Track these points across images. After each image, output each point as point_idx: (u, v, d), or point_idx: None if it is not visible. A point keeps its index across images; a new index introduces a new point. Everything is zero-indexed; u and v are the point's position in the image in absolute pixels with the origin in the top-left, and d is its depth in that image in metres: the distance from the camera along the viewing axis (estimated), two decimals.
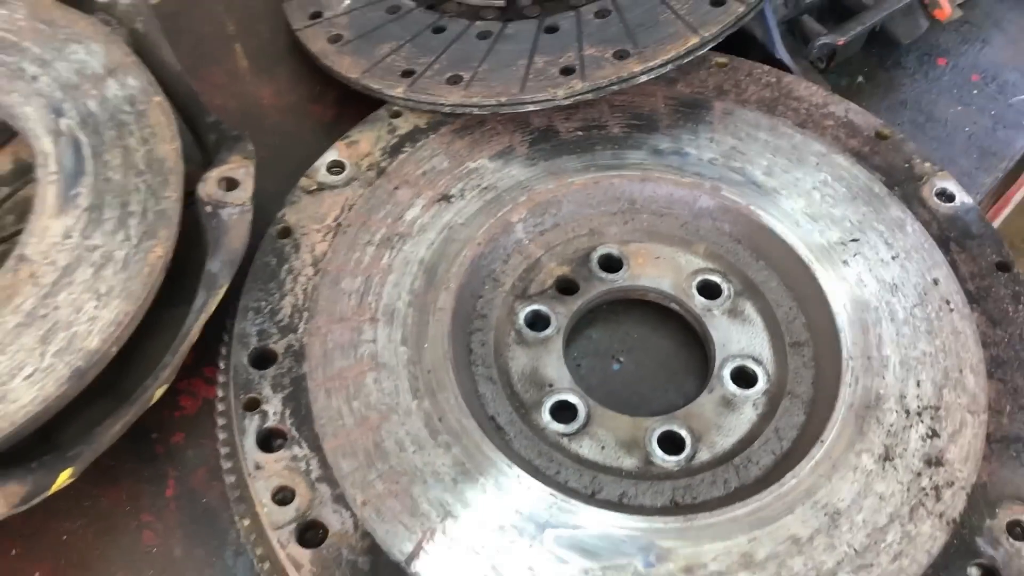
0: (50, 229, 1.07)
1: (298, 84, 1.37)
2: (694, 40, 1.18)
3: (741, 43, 1.32)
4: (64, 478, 0.93)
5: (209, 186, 1.12)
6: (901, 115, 1.36)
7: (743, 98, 1.29)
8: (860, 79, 1.40)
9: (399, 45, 1.29)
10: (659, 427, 1.08)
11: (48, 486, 0.92)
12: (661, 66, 1.18)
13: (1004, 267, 1.15)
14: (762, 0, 1.21)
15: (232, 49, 1.40)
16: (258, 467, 0.99)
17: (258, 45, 1.40)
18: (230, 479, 1.03)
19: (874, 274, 1.14)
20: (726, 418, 1.10)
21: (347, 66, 1.29)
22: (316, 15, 1.38)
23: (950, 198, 1.21)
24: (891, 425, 1.04)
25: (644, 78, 1.18)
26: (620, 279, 1.19)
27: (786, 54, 1.31)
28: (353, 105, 1.29)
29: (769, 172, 1.21)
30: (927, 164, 1.23)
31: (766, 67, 1.31)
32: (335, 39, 1.33)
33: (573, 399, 1.09)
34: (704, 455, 1.07)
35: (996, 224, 1.38)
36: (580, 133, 1.25)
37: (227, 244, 1.09)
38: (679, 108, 1.27)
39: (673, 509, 1.02)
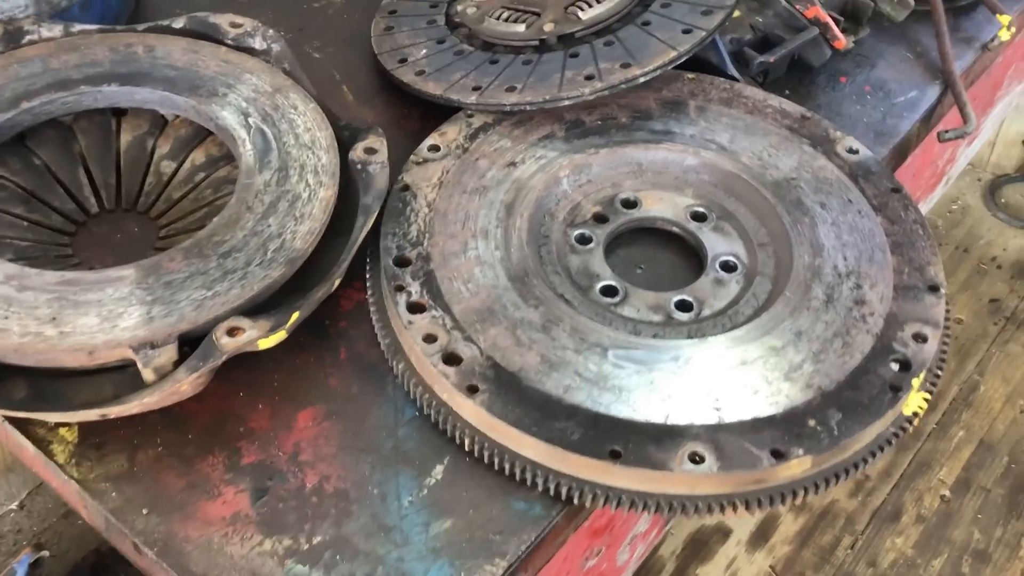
0: (255, 182, 1.49)
1: (391, 108, 1.81)
2: (673, 53, 1.65)
3: (702, 67, 1.79)
4: (294, 319, 1.32)
5: (358, 152, 1.54)
6: (818, 113, 1.83)
7: (709, 98, 1.75)
8: (787, 92, 1.87)
9: (467, 72, 1.75)
10: (674, 297, 1.50)
11: (285, 322, 1.29)
12: (653, 71, 1.64)
13: (896, 191, 1.61)
14: (716, 28, 1.68)
15: (341, 89, 1.84)
16: (410, 323, 1.39)
17: (359, 85, 1.84)
18: (386, 341, 1.42)
19: (809, 198, 1.58)
20: (719, 290, 1.51)
21: (432, 87, 1.74)
22: (402, 60, 1.83)
23: (856, 152, 1.67)
24: (829, 282, 1.46)
25: (642, 79, 1.64)
26: (636, 213, 1.62)
27: (735, 71, 1.79)
28: (432, 120, 1.71)
29: (732, 141, 1.67)
30: (838, 133, 1.69)
31: (726, 80, 1.78)
32: (420, 73, 1.78)
33: (614, 283, 1.51)
34: (707, 312, 1.49)
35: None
36: (599, 122, 1.70)
37: (375, 186, 1.50)
38: (665, 105, 1.73)
39: (691, 335, 1.43)
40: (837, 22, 1.90)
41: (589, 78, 1.64)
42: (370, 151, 1.54)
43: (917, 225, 1.55)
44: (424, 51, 1.84)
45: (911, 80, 1.92)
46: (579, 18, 1.76)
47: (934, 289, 1.46)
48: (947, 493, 3.37)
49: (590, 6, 1.78)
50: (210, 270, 1.35)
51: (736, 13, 1.87)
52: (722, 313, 1.47)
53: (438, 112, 1.70)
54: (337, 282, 1.41)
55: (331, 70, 1.89)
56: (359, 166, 1.51)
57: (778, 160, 1.62)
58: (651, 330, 1.44)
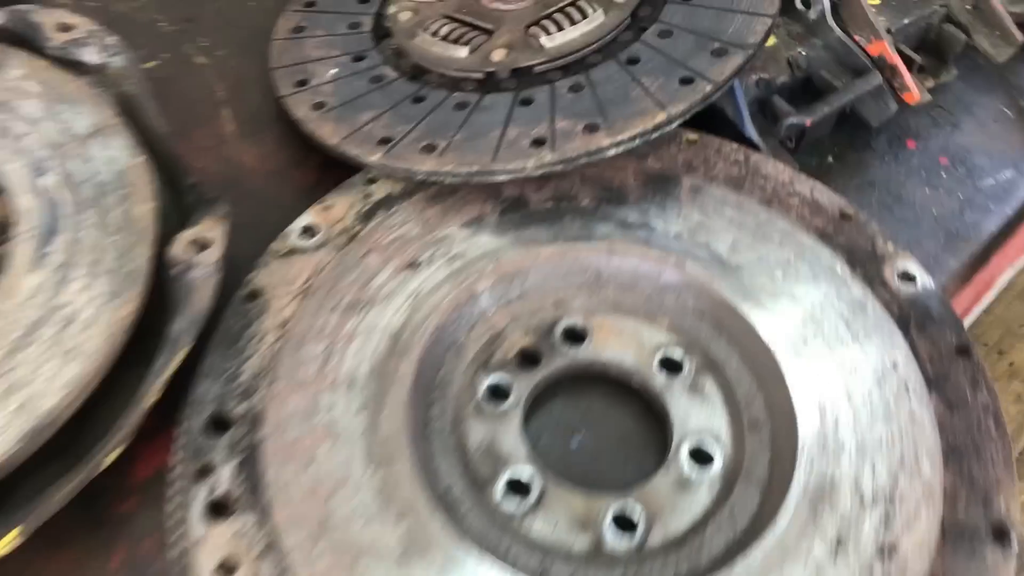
0: (20, 287, 1.01)
1: (282, 149, 1.31)
2: (661, 117, 1.12)
3: (712, 119, 1.25)
4: (10, 538, 0.86)
5: (179, 247, 1.06)
6: (869, 196, 1.29)
7: (711, 174, 1.22)
8: (830, 159, 1.33)
9: (379, 113, 1.23)
10: (613, 505, 1.00)
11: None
12: (629, 140, 1.12)
13: (963, 351, 1.08)
14: (729, 80, 1.15)
15: (220, 113, 1.34)
16: (202, 538, 0.92)
17: (246, 110, 1.35)
18: (174, 551, 0.96)
19: (834, 355, 1.06)
20: (681, 498, 1.02)
21: (328, 132, 1.23)
22: (302, 83, 1.32)
23: (911, 279, 1.13)
24: (846, 512, 0.96)
25: (612, 152, 1.12)
26: (583, 352, 1.12)
27: (755, 132, 1.25)
28: (333, 171, 1.23)
29: (734, 248, 1.14)
30: (889, 245, 1.16)
31: (735, 145, 1.24)
32: (318, 106, 1.27)
33: (528, 475, 1.02)
34: (657, 536, 0.99)
35: (981, 309, 1.30)
36: (550, 204, 1.19)
37: (192, 305, 1.02)
38: (648, 182, 1.21)
39: None
40: (911, 62, 1.33)
41: (538, 143, 1.12)
42: (199, 245, 1.05)
43: (989, 418, 1.03)
44: (333, 71, 1.32)
45: (1007, 152, 1.37)
46: (541, 46, 1.23)
47: (1001, 536, 0.94)
48: None
49: (559, 29, 1.24)
50: None
51: (771, 41, 1.31)
52: (679, 543, 0.98)
53: (340, 164, 1.22)
54: (112, 457, 0.95)
55: (214, 84, 1.39)
56: (178, 269, 1.03)
57: (796, 286, 1.09)
58: (566, 570, 0.95)
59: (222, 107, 1.36)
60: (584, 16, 1.25)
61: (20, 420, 0.92)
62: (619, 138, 1.11)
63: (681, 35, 1.22)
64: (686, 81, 1.15)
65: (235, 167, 1.29)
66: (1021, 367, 3.15)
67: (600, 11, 1.25)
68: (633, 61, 1.20)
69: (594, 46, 1.24)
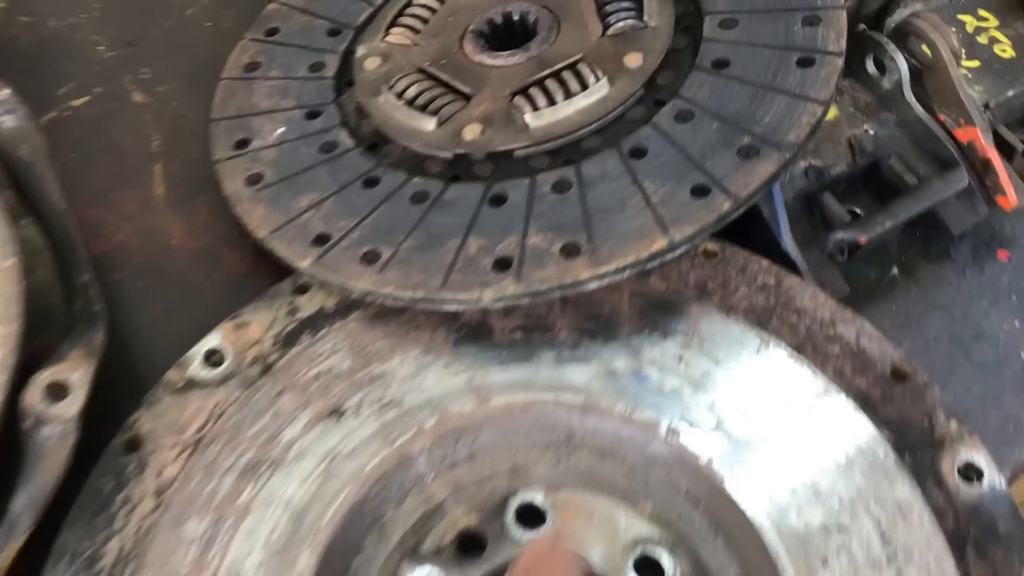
0: None
1: (217, 221, 1.10)
2: (660, 243, 0.87)
3: (744, 219, 0.98)
4: None
5: (33, 394, 0.85)
6: (941, 326, 1.02)
7: (730, 303, 0.97)
8: (894, 271, 1.06)
9: (321, 199, 1.01)
10: None
11: None
12: (616, 272, 0.87)
13: None
14: (755, 195, 0.88)
15: (152, 170, 1.13)
16: None
17: (182, 167, 1.13)
18: None
19: None
20: None
21: (258, 220, 1.01)
22: (242, 143, 1.10)
23: (977, 475, 0.87)
24: None
25: (594, 285, 0.87)
26: (539, 539, 0.88)
27: (794, 247, 0.99)
28: (272, 257, 1.00)
29: (746, 416, 0.89)
30: (953, 424, 0.89)
31: (765, 263, 0.98)
32: (254, 179, 1.05)
33: None
34: None
35: None
36: (519, 335, 0.95)
37: (37, 478, 0.82)
38: (646, 311, 0.96)
39: None
40: (1011, 151, 1.04)
41: (502, 266, 0.89)
42: (55, 391, 0.84)
43: None
44: (280, 130, 1.09)
45: None
46: (525, 124, 0.97)
47: None
48: None
49: (549, 102, 0.99)
50: None
51: (831, 113, 1.04)
52: None
53: None
54: None
55: (150, 131, 1.17)
56: (29, 423, 0.82)
57: (822, 475, 0.84)
58: None
59: (155, 161, 1.15)
60: (583, 86, 0.99)
61: None
62: (603, 270, 0.87)
63: (704, 120, 0.95)
64: (700, 192, 0.90)
65: (159, 243, 1.09)
66: None
67: (604, 81, 0.99)
68: (638, 153, 0.95)
69: (592, 127, 0.98)
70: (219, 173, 1.08)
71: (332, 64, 1.16)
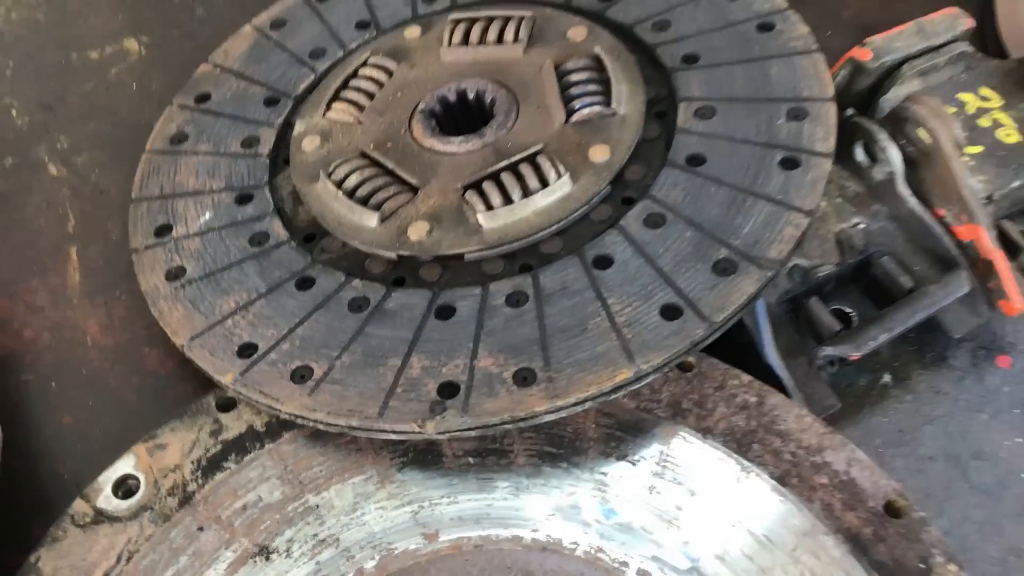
0: None
1: (137, 315, 1.06)
2: (626, 373, 0.84)
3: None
4: None
5: None
6: (936, 443, 0.99)
7: (707, 424, 0.93)
8: (886, 378, 1.03)
9: (250, 300, 0.97)
10: None
11: None
12: (574, 405, 0.83)
13: None
14: (731, 320, 0.84)
15: (67, 255, 1.08)
16: None
17: (100, 252, 1.10)
18: None
19: None
20: None
21: (176, 323, 0.97)
22: (164, 229, 1.06)
23: None
24: None
25: (549, 418, 0.83)
26: None
27: (778, 360, 0.96)
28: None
29: (723, 557, 0.85)
30: (951, 568, 0.85)
31: (746, 378, 0.95)
32: (175, 274, 1.01)
33: None
34: None
35: None
36: (472, 460, 0.91)
37: None
38: (615, 433, 0.92)
39: None
40: (1016, 249, 1.01)
41: (447, 391, 0.85)
42: None
43: None
44: (206, 216, 1.05)
45: None
46: (478, 224, 0.93)
47: None
48: None
49: (504, 201, 0.95)
50: None
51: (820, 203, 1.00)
52: None
53: None
54: None
55: (65, 209, 1.13)
56: None
57: None
58: None
59: (70, 244, 1.11)
60: (543, 183, 0.96)
61: None
62: (560, 403, 0.84)
63: (676, 226, 0.92)
64: (671, 314, 0.86)
65: (73, 340, 1.05)
66: None
67: (567, 177, 0.95)
68: (603, 263, 0.92)
69: (552, 229, 0.94)
70: (137, 265, 1.04)
71: (267, 139, 1.12)
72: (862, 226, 1.05)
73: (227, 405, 0.96)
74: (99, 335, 1.06)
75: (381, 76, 1.12)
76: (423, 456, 0.92)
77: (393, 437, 0.87)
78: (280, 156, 1.11)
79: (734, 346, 0.99)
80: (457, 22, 1.13)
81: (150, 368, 1.04)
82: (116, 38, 1.27)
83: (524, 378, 0.86)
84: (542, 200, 0.96)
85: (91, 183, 1.15)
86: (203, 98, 1.18)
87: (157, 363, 1.04)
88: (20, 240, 1.08)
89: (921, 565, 0.88)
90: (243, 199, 1.07)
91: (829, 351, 0.96)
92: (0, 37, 1.25)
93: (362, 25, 1.22)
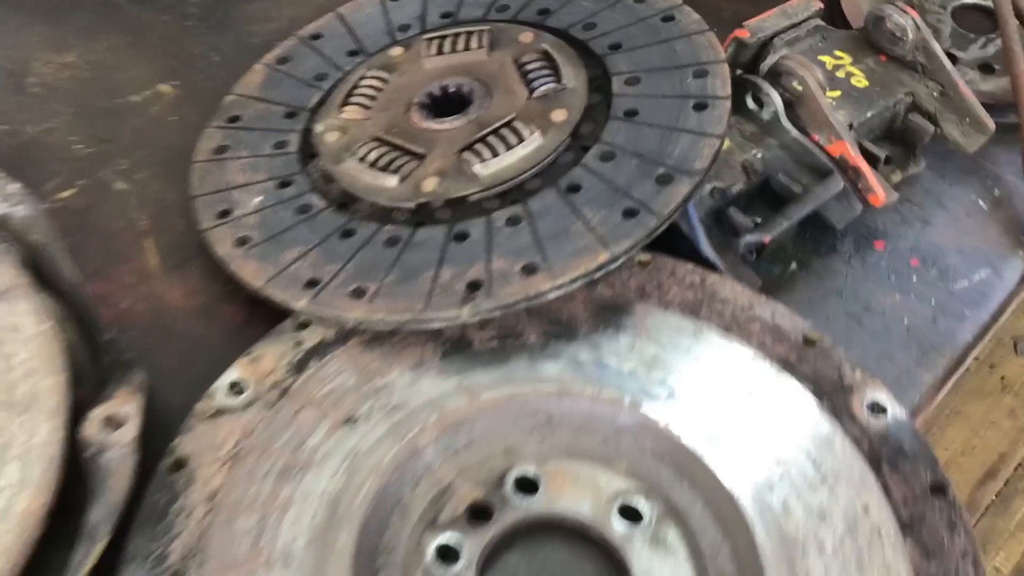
0: None
1: (209, 282, 1.34)
2: (604, 256, 1.16)
3: (667, 235, 1.28)
4: None
5: (91, 427, 1.08)
6: (837, 306, 1.33)
7: (666, 300, 1.26)
8: (794, 266, 1.37)
9: (306, 250, 1.26)
10: None
11: None
12: (570, 283, 1.15)
13: (939, 490, 1.11)
14: (675, 212, 1.18)
15: (143, 245, 1.37)
16: None
17: (170, 240, 1.38)
18: None
19: (801, 500, 1.09)
20: None
21: (251, 273, 1.26)
22: (225, 213, 1.35)
23: (882, 411, 1.16)
24: None
25: (553, 295, 1.15)
26: (536, 503, 1.14)
27: (712, 252, 1.29)
28: (265, 306, 1.25)
29: (691, 384, 1.18)
30: (858, 374, 1.19)
31: (690, 266, 1.28)
32: (242, 241, 1.30)
33: None
34: None
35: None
36: (495, 343, 1.22)
37: (108, 492, 1.04)
38: (599, 313, 1.24)
39: None
40: (875, 160, 1.37)
41: (473, 287, 1.16)
42: (112, 422, 1.07)
43: (967, 564, 1.06)
44: (258, 199, 1.35)
45: (982, 248, 1.41)
46: (475, 174, 1.26)
47: None
48: None
49: (493, 154, 1.28)
50: None
51: (725, 144, 1.35)
52: None
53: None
54: None
55: (135, 213, 1.42)
56: (91, 452, 1.05)
57: (757, 424, 1.12)
58: None
59: (144, 238, 1.39)
60: (520, 139, 1.28)
61: None
62: (559, 281, 1.15)
63: (624, 158, 1.25)
64: (630, 213, 1.19)
65: (160, 306, 1.32)
66: (1012, 380, 3.21)
67: (537, 133, 1.29)
68: (574, 189, 1.24)
69: (532, 171, 1.27)
70: (208, 240, 1.33)
71: (294, 141, 1.44)
72: (759, 155, 1.40)
73: (303, 325, 1.25)
74: (182, 300, 1.34)
75: (378, 84, 1.45)
76: (458, 345, 1.22)
77: (436, 326, 1.17)
78: (306, 152, 1.42)
79: (676, 253, 1.33)
80: (431, 39, 1.48)
81: (227, 321, 1.32)
82: (151, 84, 1.57)
83: (530, 270, 1.17)
84: (521, 151, 1.29)
85: (153, 191, 1.44)
86: (234, 119, 1.50)
87: (232, 314, 1.33)
88: (104, 238, 1.36)
89: (835, 374, 1.21)
90: (284, 184, 1.38)
91: (748, 238, 1.31)
92: (55, 91, 1.54)
93: (353, 53, 1.55)
